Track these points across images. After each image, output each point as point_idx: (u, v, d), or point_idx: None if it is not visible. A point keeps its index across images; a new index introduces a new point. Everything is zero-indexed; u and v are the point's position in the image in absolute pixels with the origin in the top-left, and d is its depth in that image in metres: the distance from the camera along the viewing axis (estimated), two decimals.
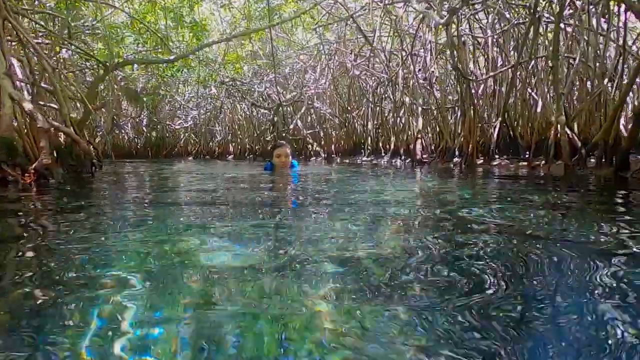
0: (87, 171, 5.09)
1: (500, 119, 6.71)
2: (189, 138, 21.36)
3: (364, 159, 11.85)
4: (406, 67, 10.08)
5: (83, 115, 7.65)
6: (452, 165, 7.28)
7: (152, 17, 11.53)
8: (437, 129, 9.42)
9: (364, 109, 12.94)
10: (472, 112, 6.75)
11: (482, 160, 6.93)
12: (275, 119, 15.35)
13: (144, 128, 22.09)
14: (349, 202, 2.75)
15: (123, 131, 22.23)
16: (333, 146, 14.44)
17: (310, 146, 15.10)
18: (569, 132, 4.87)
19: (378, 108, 11.86)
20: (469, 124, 6.88)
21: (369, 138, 12.43)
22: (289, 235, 1.80)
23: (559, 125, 4.90)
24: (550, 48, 5.30)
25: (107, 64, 7.17)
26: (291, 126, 14.16)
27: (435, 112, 8.49)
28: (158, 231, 1.88)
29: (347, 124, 13.53)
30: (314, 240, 1.66)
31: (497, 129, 6.73)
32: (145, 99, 18.84)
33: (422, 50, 9.51)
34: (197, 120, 19.83)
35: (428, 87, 8.70)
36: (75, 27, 8.93)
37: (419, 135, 8.45)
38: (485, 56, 7.37)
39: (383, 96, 11.45)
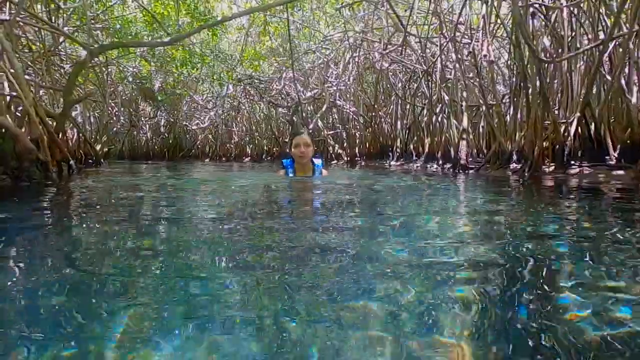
0: (29, 179, 3.75)
1: (578, 114, 5.12)
2: (205, 139, 20.33)
3: (393, 163, 10.35)
4: (445, 56, 8.56)
5: (63, 107, 6.50)
6: (509, 173, 5.73)
7: (166, 11, 10.64)
8: (484, 128, 7.85)
9: (392, 106, 11.45)
10: (540, 105, 5.20)
11: (551, 168, 5.36)
12: (294, 118, 14.05)
13: (161, 129, 21.28)
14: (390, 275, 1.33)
15: (141, 132, 21.47)
16: (357, 148, 12.98)
17: (331, 148, 13.71)
18: None
19: (409, 105, 10.35)
20: (535, 121, 5.33)
21: (398, 139, 10.93)
22: None
23: None
24: None
25: (91, 47, 5.97)
26: (311, 126, 12.79)
27: (483, 107, 6.93)
28: None
29: (373, 124, 12.05)
30: None
31: (573, 127, 5.15)
32: (160, 97, 17.91)
33: (464, 36, 7.99)
34: (215, 121, 18.79)
35: (475, 78, 7.15)
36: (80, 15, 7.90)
37: (464, 136, 6.91)
38: (552, 33, 5.78)
39: (416, 92, 9.93)
